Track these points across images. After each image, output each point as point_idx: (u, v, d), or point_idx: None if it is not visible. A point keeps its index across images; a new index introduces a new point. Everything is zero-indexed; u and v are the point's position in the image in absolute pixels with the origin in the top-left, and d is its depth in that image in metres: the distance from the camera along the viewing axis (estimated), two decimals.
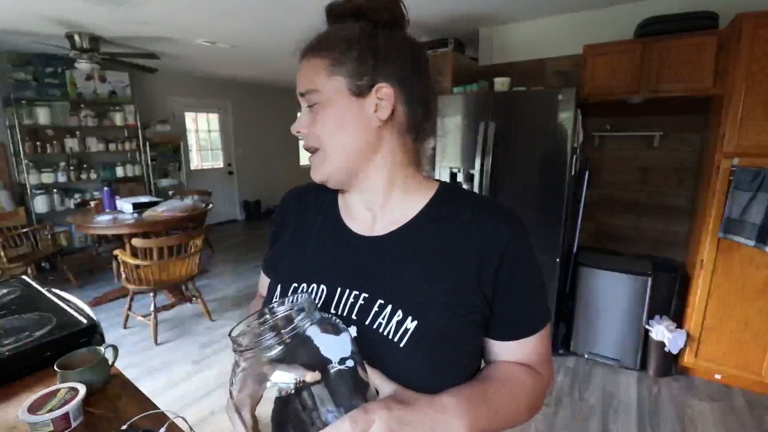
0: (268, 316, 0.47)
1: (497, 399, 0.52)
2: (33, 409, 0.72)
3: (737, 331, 2.09)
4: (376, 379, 0.47)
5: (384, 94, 0.55)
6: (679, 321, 2.30)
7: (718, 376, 2.24)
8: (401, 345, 0.50)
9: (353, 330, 0.52)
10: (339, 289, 0.56)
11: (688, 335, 2.21)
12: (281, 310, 0.47)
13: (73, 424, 0.75)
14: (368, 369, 0.46)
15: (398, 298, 0.53)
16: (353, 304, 0.54)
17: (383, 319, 0.52)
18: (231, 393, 0.43)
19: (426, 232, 0.56)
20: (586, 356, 2.51)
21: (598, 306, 2.42)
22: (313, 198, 0.68)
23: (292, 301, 0.49)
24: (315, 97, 0.54)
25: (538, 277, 0.58)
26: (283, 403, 0.39)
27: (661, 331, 2.22)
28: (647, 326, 2.30)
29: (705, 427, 1.93)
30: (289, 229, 0.67)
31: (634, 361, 2.36)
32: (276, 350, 0.40)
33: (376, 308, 0.53)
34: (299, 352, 0.40)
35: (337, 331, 0.44)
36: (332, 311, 0.55)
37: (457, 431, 0.45)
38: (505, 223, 0.55)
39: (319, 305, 0.55)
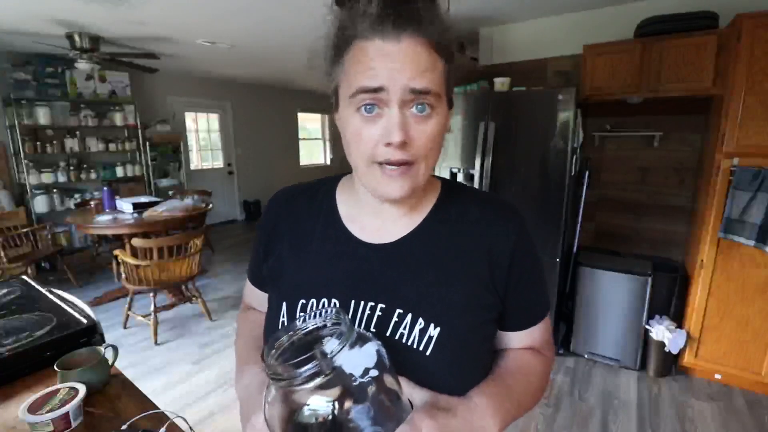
0: (303, 335, 0.46)
1: (517, 390, 0.54)
2: (33, 409, 0.72)
3: (737, 331, 2.09)
4: (405, 387, 0.46)
5: (452, 110, 0.54)
6: (679, 321, 2.30)
7: (718, 376, 2.24)
8: (427, 353, 0.50)
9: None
10: (353, 302, 0.53)
11: (688, 335, 2.21)
12: (318, 332, 0.45)
13: (73, 424, 0.75)
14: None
15: (418, 307, 0.52)
16: (370, 317, 0.52)
17: (405, 329, 0.51)
18: (264, 414, 0.42)
19: (436, 236, 0.55)
20: (586, 356, 2.51)
21: (598, 306, 2.42)
22: (306, 203, 0.63)
23: (322, 315, 0.47)
24: (433, 101, 0.46)
25: (541, 267, 0.60)
26: (318, 426, 0.38)
27: (661, 331, 2.22)
28: (647, 326, 2.30)
29: (705, 427, 1.93)
30: (284, 238, 0.62)
31: (634, 361, 2.36)
32: (316, 381, 0.38)
33: (395, 318, 0.51)
34: (338, 378, 0.39)
35: (364, 341, 0.43)
36: None
37: (492, 430, 0.48)
38: (512, 222, 0.56)
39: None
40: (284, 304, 0.57)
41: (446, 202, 0.58)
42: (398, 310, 0.52)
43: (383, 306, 0.52)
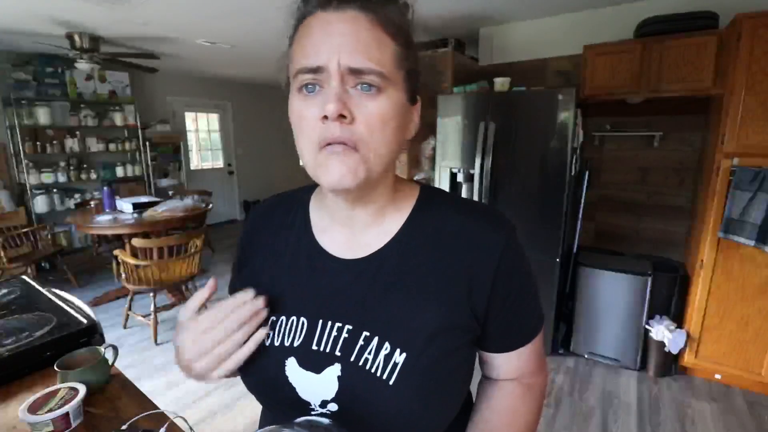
0: None
1: None
2: (33, 409, 0.72)
3: (737, 331, 2.09)
4: None
5: (418, 108, 0.51)
6: (679, 321, 2.30)
7: (718, 376, 2.24)
8: (390, 382, 0.46)
9: (337, 368, 0.48)
10: (321, 322, 0.51)
11: (688, 335, 2.21)
12: None
13: (73, 424, 0.75)
14: None
15: (384, 329, 0.48)
16: (337, 338, 0.49)
17: (369, 354, 0.47)
18: None
19: (410, 251, 0.51)
20: (586, 356, 2.51)
21: (598, 306, 2.42)
22: (281, 216, 0.60)
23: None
24: (379, 82, 0.43)
25: (532, 283, 0.55)
26: None
27: (661, 331, 2.22)
28: (647, 326, 2.30)
29: (705, 427, 1.93)
30: (260, 251, 0.60)
31: (634, 361, 2.36)
32: None
33: (361, 342, 0.48)
34: None
35: None
36: (315, 347, 0.50)
37: None
38: (497, 234, 0.51)
39: (300, 339, 0.51)
40: None
41: (423, 212, 0.53)
42: (365, 333, 0.48)
43: (350, 328, 0.49)
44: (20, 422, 0.72)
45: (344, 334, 0.49)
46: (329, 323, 0.50)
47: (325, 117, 0.42)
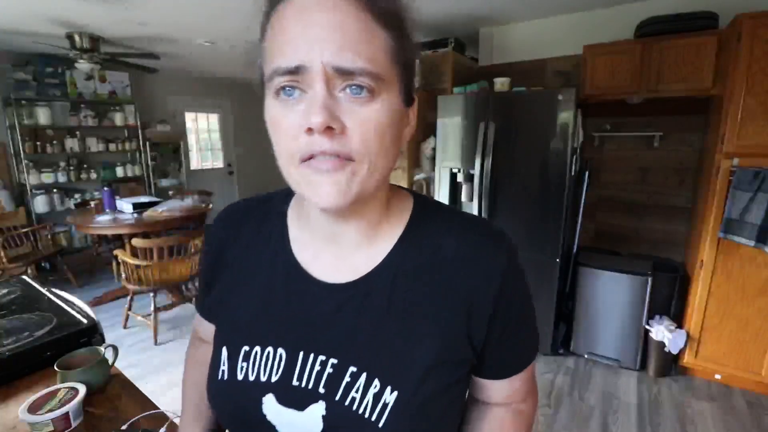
0: None
1: None
2: (33, 409, 0.72)
3: (737, 331, 2.09)
4: None
5: (415, 109, 0.45)
6: (679, 321, 2.30)
7: (718, 376, 2.24)
8: (380, 425, 0.42)
9: (321, 406, 0.43)
10: (302, 354, 0.45)
11: (688, 335, 2.21)
12: None
13: (73, 424, 0.75)
14: None
15: (374, 365, 0.44)
16: (320, 373, 0.44)
17: (357, 392, 0.43)
18: None
19: (403, 276, 0.46)
20: (586, 356, 2.51)
21: (598, 306, 2.42)
22: (255, 227, 0.53)
23: None
24: (371, 83, 0.37)
25: (531, 307, 0.52)
26: None
27: (661, 331, 2.22)
28: (647, 326, 2.30)
29: (705, 427, 1.93)
30: (227, 269, 0.53)
31: (634, 361, 2.36)
32: None
33: (348, 378, 0.43)
34: None
35: None
36: (295, 383, 0.45)
37: None
38: (497, 257, 0.46)
39: (279, 374, 0.46)
40: (224, 349, 0.49)
41: (416, 230, 0.48)
42: (351, 368, 0.44)
43: (335, 362, 0.44)
44: (20, 422, 0.72)
45: (328, 369, 0.44)
46: (311, 356, 0.45)
47: (311, 129, 0.36)
